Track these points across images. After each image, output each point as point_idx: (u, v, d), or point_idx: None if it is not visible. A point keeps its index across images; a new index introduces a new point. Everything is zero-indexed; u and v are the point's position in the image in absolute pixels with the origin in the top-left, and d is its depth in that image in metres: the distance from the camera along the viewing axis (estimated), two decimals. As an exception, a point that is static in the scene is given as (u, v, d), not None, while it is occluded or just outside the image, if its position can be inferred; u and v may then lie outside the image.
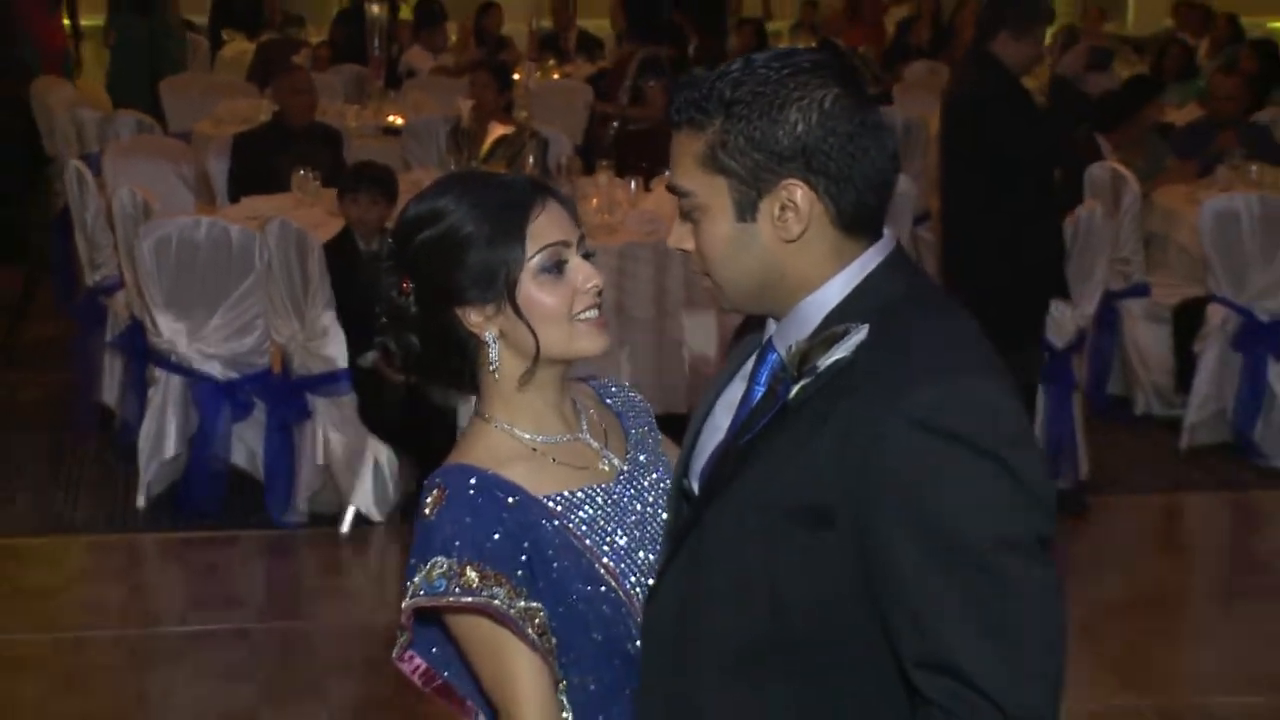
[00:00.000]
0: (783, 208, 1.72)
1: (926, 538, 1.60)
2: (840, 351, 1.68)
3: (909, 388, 1.63)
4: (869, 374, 1.66)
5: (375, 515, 5.27)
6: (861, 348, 1.68)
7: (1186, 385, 6.20)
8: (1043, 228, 5.23)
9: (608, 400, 2.06)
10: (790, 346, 1.73)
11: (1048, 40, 5.72)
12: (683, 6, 10.76)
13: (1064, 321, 5.61)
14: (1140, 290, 6.51)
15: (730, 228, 1.74)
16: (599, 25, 12.66)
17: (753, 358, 1.86)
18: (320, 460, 5.29)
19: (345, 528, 5.25)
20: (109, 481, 5.62)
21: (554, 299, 1.85)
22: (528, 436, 1.89)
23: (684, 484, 1.90)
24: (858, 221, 1.74)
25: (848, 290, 1.74)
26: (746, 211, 1.73)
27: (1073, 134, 5.58)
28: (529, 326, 1.84)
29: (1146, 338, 6.49)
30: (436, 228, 1.85)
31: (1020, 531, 1.61)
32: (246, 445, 5.39)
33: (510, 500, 1.82)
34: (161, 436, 5.35)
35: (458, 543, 1.77)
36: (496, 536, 1.78)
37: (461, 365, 1.90)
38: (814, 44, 11.12)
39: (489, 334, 1.86)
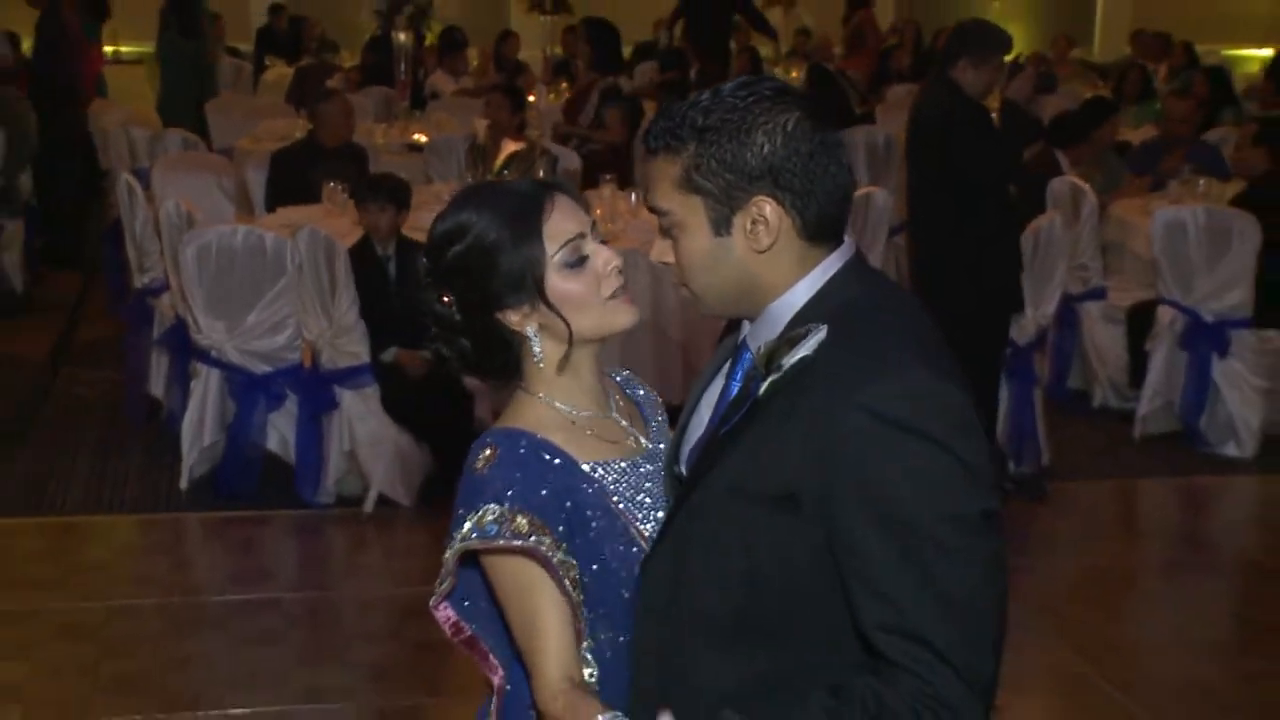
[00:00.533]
0: (754, 222, 1.74)
1: (882, 517, 1.62)
2: (803, 350, 1.69)
3: (863, 382, 1.64)
4: (828, 370, 1.67)
5: (396, 497, 5.30)
6: (822, 346, 1.69)
7: (1139, 380, 6.22)
8: (1002, 247, 5.21)
9: (629, 391, 2.09)
10: (760, 347, 1.75)
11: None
12: (692, 36, 10.77)
13: (1026, 322, 5.63)
14: (1098, 293, 6.53)
15: (708, 242, 1.76)
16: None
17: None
18: (346, 446, 5.32)
19: (368, 508, 5.27)
20: (155, 465, 5.65)
21: (581, 286, 1.87)
22: (567, 409, 1.92)
23: (674, 470, 1.92)
24: (821, 231, 1.76)
25: (812, 293, 1.76)
26: (721, 227, 1.75)
27: (1021, 153, 5.57)
28: (562, 317, 1.87)
29: (1103, 337, 6.50)
30: (464, 241, 1.87)
31: (966, 509, 1.63)
32: (279, 433, 5.41)
33: (555, 462, 1.84)
34: (203, 425, 5.39)
35: (510, 493, 1.79)
36: (544, 493, 1.80)
37: (508, 360, 1.92)
38: (805, 69, 11.15)
39: (529, 329, 1.89)
